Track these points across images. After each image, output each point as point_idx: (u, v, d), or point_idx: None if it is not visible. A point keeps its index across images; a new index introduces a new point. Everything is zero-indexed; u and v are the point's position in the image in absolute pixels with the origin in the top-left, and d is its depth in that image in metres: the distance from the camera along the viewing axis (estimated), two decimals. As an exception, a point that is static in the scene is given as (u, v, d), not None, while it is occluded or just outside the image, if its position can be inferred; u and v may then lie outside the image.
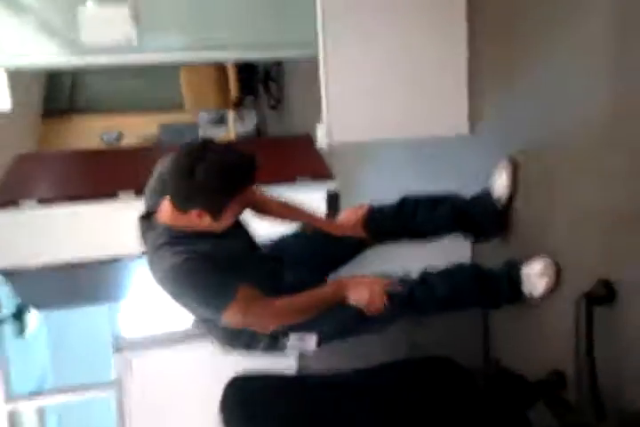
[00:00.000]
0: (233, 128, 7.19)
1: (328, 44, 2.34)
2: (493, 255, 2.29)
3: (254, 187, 1.79)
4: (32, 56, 3.08)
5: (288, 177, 3.48)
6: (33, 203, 3.12)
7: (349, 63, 2.37)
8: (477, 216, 2.20)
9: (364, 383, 1.95)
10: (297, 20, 3.06)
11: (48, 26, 3.05)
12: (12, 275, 3.25)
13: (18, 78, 6.80)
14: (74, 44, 3.02)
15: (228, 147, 1.74)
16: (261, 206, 2.02)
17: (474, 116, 2.47)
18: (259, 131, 7.30)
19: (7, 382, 3.27)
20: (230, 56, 3.89)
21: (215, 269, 1.68)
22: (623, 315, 1.68)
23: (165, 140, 6.96)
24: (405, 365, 2.06)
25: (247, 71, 6.85)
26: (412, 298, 1.94)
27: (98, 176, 3.60)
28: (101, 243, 3.14)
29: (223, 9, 3.20)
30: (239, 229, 1.92)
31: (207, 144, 1.69)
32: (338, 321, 1.89)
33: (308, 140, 3.90)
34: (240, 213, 1.80)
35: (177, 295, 1.73)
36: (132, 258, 3.05)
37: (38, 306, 4.01)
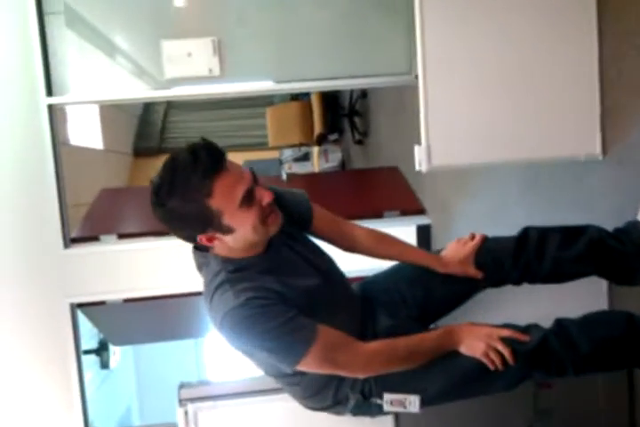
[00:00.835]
0: (317, 164, 7.14)
1: (429, 57, 2.16)
2: (637, 301, 1.90)
3: (261, 187, 1.42)
4: (119, 91, 3.10)
5: (375, 212, 3.31)
6: (113, 238, 3.08)
7: (452, 81, 2.18)
8: (623, 254, 1.77)
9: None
10: (390, 43, 2.92)
11: (132, 60, 3.06)
12: (92, 310, 3.20)
13: (111, 119, 7.12)
14: (158, 78, 3.02)
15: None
16: (333, 228, 1.70)
17: (608, 136, 2.10)
18: (343, 167, 7.22)
19: (86, 419, 3.18)
20: (316, 86, 3.80)
21: (287, 309, 1.41)
22: None
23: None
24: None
25: (332, 107, 6.81)
26: (545, 352, 1.55)
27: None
28: (181, 278, 3.06)
29: (309, 39, 3.13)
30: (316, 258, 1.63)
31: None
32: (445, 378, 1.54)
33: (396, 172, 3.74)
34: (267, 218, 1.44)
35: (241, 343, 1.46)
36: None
37: (118, 342, 3.98)
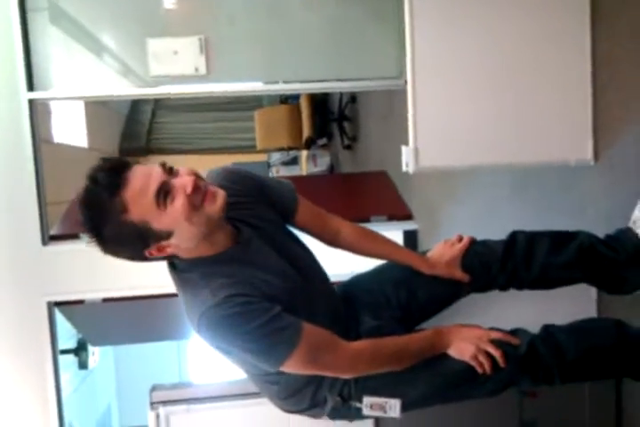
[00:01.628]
0: (305, 168, 7.11)
1: (418, 62, 2.14)
2: (626, 310, 1.86)
3: (181, 176, 1.32)
4: (103, 88, 3.04)
5: (362, 216, 3.27)
6: (93, 235, 3.02)
7: (441, 85, 2.16)
8: (614, 261, 1.73)
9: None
10: (380, 47, 2.90)
11: (118, 57, 3.02)
12: (69, 309, 3.13)
13: (97, 118, 7.06)
14: (144, 75, 2.98)
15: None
16: (317, 222, 1.64)
17: (600, 140, 2.07)
18: (332, 172, 7.19)
19: (61, 420, 3.11)
20: (303, 88, 3.77)
21: (269, 307, 1.33)
22: None
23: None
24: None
25: (321, 111, 6.79)
26: (533, 358, 1.50)
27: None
28: (162, 279, 3.00)
29: (299, 41, 3.09)
30: (295, 252, 1.56)
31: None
32: (429, 381, 1.48)
33: (384, 176, 3.70)
34: (202, 208, 1.33)
35: (221, 343, 1.38)
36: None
37: (96, 342, 3.90)
